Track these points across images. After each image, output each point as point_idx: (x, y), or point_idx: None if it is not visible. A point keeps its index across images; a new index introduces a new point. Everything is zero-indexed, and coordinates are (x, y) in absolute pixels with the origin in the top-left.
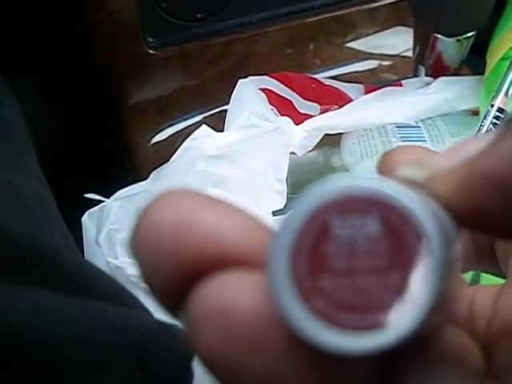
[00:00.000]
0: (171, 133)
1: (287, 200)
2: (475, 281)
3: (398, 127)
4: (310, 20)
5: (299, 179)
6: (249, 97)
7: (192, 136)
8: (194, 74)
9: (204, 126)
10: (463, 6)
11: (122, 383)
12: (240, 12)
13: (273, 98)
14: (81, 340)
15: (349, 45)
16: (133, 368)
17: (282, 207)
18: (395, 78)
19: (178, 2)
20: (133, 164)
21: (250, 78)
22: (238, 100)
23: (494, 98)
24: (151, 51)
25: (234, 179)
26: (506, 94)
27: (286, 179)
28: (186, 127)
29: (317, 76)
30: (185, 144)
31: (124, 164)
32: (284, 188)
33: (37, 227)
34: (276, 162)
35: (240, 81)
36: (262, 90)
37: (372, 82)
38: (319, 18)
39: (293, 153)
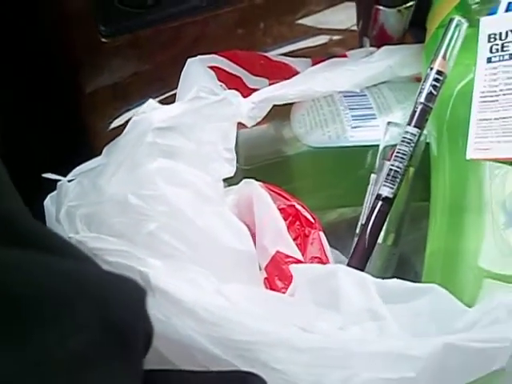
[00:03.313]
0: (129, 117)
1: (241, 171)
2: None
3: (345, 96)
4: (259, 1)
5: (252, 152)
6: (197, 74)
7: (140, 110)
8: (147, 59)
9: (151, 100)
10: None
11: (76, 331)
12: None
13: (222, 75)
14: (42, 291)
15: (298, 22)
16: (86, 317)
17: (232, 175)
18: (344, 51)
19: None
20: (93, 150)
21: (199, 56)
22: (187, 78)
23: (433, 61)
24: (104, 40)
25: (184, 149)
26: (444, 57)
27: (240, 152)
28: None
29: (268, 54)
30: (134, 118)
31: (85, 150)
32: (233, 156)
33: None
34: (224, 132)
35: (189, 60)
36: (211, 68)
37: (322, 57)
38: None
39: (243, 125)
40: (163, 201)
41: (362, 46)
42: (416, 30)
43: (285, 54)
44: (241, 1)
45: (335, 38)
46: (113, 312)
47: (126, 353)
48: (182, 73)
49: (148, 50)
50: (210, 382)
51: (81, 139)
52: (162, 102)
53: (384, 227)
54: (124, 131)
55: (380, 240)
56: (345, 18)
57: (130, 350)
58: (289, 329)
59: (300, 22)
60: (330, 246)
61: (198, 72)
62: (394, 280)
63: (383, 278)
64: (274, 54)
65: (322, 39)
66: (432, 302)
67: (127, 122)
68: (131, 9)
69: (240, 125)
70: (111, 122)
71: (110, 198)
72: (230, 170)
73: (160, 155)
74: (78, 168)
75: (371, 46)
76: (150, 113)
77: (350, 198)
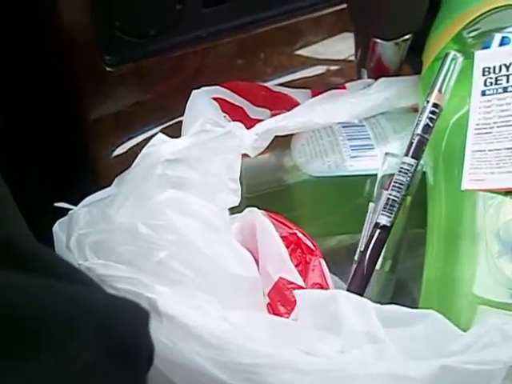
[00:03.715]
0: (131, 145)
1: (243, 199)
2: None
3: (343, 127)
4: (258, 31)
5: (254, 180)
6: (202, 106)
7: (150, 143)
8: (150, 88)
9: (160, 134)
10: (398, 10)
11: (83, 350)
12: (190, 27)
13: (225, 106)
14: (47, 314)
15: (297, 52)
16: (92, 336)
17: (237, 204)
18: (342, 81)
19: (131, 21)
20: (96, 176)
21: (203, 88)
22: (192, 110)
23: (429, 94)
24: (108, 69)
25: (192, 180)
26: (440, 90)
27: (242, 181)
28: (146, 139)
29: (268, 84)
30: (144, 151)
31: (88, 177)
32: (238, 187)
33: None
34: (229, 163)
35: (194, 92)
36: (215, 99)
37: (321, 86)
38: (267, 28)
39: (246, 155)
40: (173, 230)
41: (360, 77)
42: (414, 59)
43: (284, 84)
44: (241, 32)
45: (333, 67)
46: (117, 330)
47: (131, 369)
48: (188, 104)
49: (150, 80)
50: None
51: (84, 166)
52: (163, 131)
53: (382, 254)
54: (134, 163)
55: (378, 266)
56: (342, 48)
57: (135, 366)
58: (292, 352)
59: (299, 52)
60: (330, 271)
61: (202, 103)
62: (393, 306)
63: (381, 303)
64: (273, 84)
65: (320, 69)
66: (429, 327)
67: (130, 149)
68: (134, 39)
69: (243, 155)
70: (114, 150)
71: (119, 226)
72: (234, 200)
73: (169, 186)
74: (88, 198)
75: (369, 77)
76: (159, 146)
77: (348, 225)
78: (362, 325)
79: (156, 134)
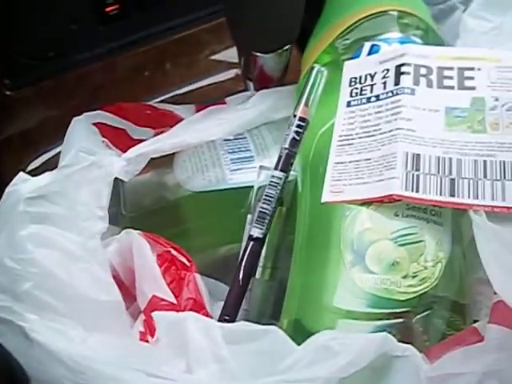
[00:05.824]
0: (39, 164)
1: (127, 219)
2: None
3: (225, 140)
4: (158, 44)
5: (137, 200)
6: (79, 133)
7: (12, 182)
8: (53, 108)
9: (21, 173)
10: (272, 23)
11: None
12: (88, 46)
13: (105, 130)
14: None
15: (198, 62)
16: None
17: (105, 231)
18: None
19: (28, 44)
20: None
21: (85, 114)
22: (69, 138)
23: (296, 108)
24: (9, 92)
25: (55, 214)
26: (306, 104)
27: (125, 200)
28: (53, 156)
29: (173, 93)
30: (7, 189)
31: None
32: (105, 214)
33: None
34: (97, 192)
35: (74, 119)
36: (95, 124)
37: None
38: (166, 41)
39: (121, 180)
40: (35, 263)
41: (246, 89)
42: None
43: (190, 92)
44: (138, 47)
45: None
46: None
47: None
48: (67, 132)
49: (53, 100)
50: None
51: None
52: None
53: (261, 263)
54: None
55: (257, 275)
56: None
57: None
58: (137, 374)
59: (200, 61)
60: (220, 280)
61: (80, 131)
62: (240, 323)
63: (262, 310)
64: (179, 93)
65: (229, 74)
66: (270, 343)
67: (39, 167)
68: (32, 61)
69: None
70: (25, 168)
71: None
72: (102, 227)
73: (31, 222)
74: None
75: (255, 88)
76: (20, 185)
77: (234, 235)
78: (207, 344)
79: None
